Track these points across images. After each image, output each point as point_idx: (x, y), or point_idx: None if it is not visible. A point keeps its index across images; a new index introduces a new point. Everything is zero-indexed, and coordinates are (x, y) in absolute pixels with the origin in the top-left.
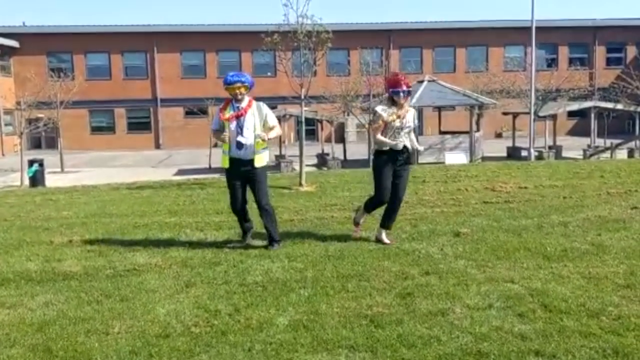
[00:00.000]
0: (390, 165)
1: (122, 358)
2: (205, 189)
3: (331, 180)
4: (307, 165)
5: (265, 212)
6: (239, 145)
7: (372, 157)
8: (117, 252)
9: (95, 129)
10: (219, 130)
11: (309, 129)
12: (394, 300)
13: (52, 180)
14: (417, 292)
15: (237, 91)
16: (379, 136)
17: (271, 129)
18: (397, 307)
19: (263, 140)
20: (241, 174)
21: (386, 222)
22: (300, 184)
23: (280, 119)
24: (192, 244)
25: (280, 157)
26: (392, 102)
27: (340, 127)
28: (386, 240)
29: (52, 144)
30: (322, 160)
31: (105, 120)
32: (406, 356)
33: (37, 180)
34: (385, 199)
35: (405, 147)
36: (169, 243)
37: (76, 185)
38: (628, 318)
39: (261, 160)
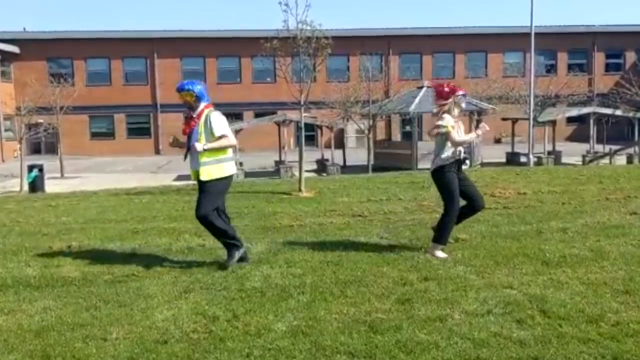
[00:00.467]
0: (455, 174)
1: None
2: None
3: (330, 186)
4: (307, 171)
5: (203, 224)
6: (186, 156)
7: (436, 174)
8: (115, 257)
9: (95, 135)
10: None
11: (309, 135)
12: (393, 306)
13: (51, 186)
14: (416, 298)
15: (185, 99)
16: (464, 136)
17: (218, 139)
18: (396, 312)
19: (205, 150)
20: (198, 184)
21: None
22: (300, 190)
23: (279, 124)
24: (191, 250)
25: (279, 162)
26: (447, 110)
27: (340, 133)
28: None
29: (52, 149)
30: (322, 166)
31: (105, 125)
32: None
33: (36, 185)
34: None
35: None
36: (168, 249)
37: (75, 190)
38: (627, 324)
39: (206, 173)
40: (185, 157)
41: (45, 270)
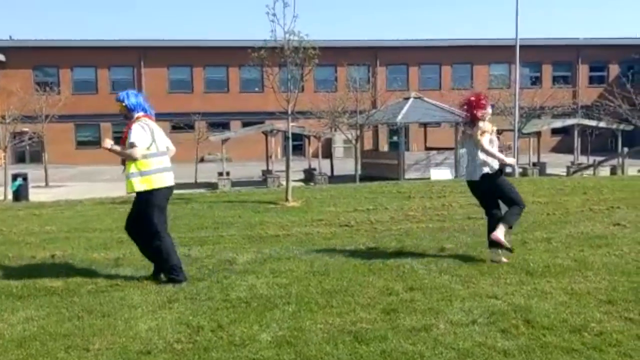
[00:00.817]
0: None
1: None
2: (190, 203)
3: (317, 196)
4: (294, 181)
5: (150, 245)
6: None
7: (491, 179)
8: (99, 267)
9: (81, 143)
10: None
11: (297, 145)
12: (378, 316)
13: (36, 195)
14: (402, 308)
15: (119, 109)
16: (494, 151)
17: (130, 147)
18: (381, 322)
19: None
20: None
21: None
22: (287, 199)
23: (267, 134)
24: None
25: (267, 172)
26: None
27: (328, 143)
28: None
29: (37, 158)
30: (309, 176)
31: (91, 134)
32: None
33: (20, 194)
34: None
35: None
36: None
37: (60, 199)
38: (610, 334)
39: (131, 185)
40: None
41: (28, 280)
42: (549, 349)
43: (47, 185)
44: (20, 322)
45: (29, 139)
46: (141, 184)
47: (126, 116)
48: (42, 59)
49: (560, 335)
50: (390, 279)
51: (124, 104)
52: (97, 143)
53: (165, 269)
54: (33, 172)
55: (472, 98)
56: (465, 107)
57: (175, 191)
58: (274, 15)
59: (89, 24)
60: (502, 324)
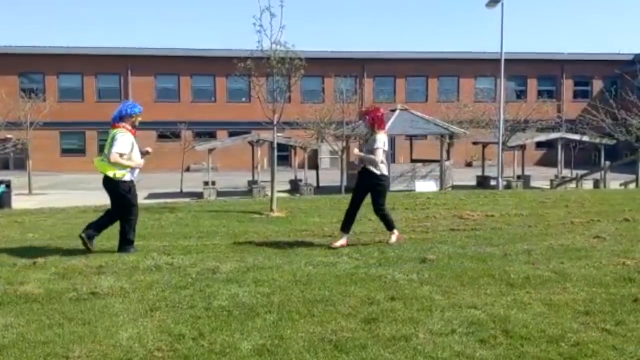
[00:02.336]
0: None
1: None
2: (175, 212)
3: (302, 206)
4: (280, 192)
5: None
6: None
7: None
8: (81, 275)
9: (66, 151)
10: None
11: (283, 155)
12: (359, 325)
13: (19, 202)
14: (382, 317)
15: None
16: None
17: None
18: (362, 332)
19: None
20: None
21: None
22: (271, 210)
23: (253, 144)
24: (158, 268)
25: (252, 182)
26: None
27: (314, 154)
28: (391, 241)
29: (20, 165)
30: (295, 187)
31: (77, 142)
32: None
33: (3, 201)
34: None
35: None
36: (135, 267)
37: (43, 207)
38: (586, 344)
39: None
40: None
41: (9, 287)
42: (526, 358)
43: (30, 192)
44: None
45: (13, 145)
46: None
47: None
48: (28, 66)
49: (538, 346)
50: (371, 289)
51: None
52: (82, 151)
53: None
54: (17, 179)
55: (379, 114)
56: (370, 118)
57: (160, 200)
58: (261, 26)
59: (77, 31)
60: (481, 333)
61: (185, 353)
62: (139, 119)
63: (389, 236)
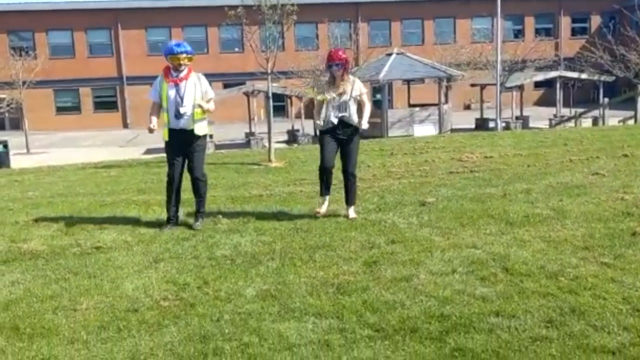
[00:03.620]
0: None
1: (90, 333)
2: None
3: (300, 156)
4: (278, 142)
5: (201, 183)
6: (178, 115)
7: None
8: (84, 230)
9: (61, 109)
10: (155, 104)
11: (279, 105)
12: (360, 268)
13: (17, 162)
14: (383, 260)
15: (182, 62)
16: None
17: (208, 101)
18: (363, 275)
19: (203, 109)
20: (181, 146)
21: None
22: (270, 160)
23: (248, 95)
24: (160, 221)
25: (250, 134)
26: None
27: (311, 103)
28: (352, 215)
29: (16, 125)
30: (293, 137)
31: (71, 99)
32: (371, 320)
33: (1, 161)
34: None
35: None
36: (137, 220)
37: (42, 165)
38: (585, 278)
39: (201, 129)
40: (173, 116)
41: (13, 245)
42: (526, 294)
43: (28, 152)
44: (5, 286)
45: (7, 105)
46: (206, 129)
47: (177, 68)
48: (16, 23)
49: (538, 281)
50: (372, 234)
51: (190, 55)
52: (77, 109)
53: (204, 205)
54: (13, 139)
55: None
56: (346, 62)
57: (158, 154)
58: None
59: None
60: (481, 272)
61: (191, 301)
62: (173, 61)
63: (349, 210)
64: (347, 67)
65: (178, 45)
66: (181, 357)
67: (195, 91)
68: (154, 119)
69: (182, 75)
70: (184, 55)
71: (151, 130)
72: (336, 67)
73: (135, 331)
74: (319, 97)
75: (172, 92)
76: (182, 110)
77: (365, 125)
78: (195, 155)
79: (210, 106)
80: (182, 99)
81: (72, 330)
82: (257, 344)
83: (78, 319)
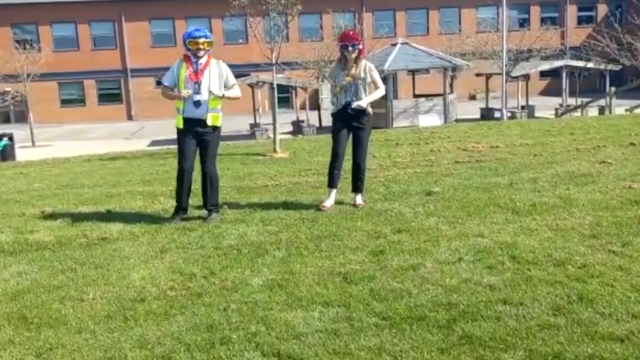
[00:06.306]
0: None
1: (98, 322)
2: None
3: (305, 146)
4: (283, 133)
5: (213, 176)
6: (196, 104)
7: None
8: (90, 221)
9: (66, 102)
10: (167, 87)
11: (283, 97)
12: (367, 257)
13: (23, 155)
14: (389, 249)
15: (201, 46)
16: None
17: (231, 87)
18: (370, 264)
19: (219, 98)
20: (195, 135)
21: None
22: (275, 151)
23: (253, 86)
24: (166, 212)
25: (254, 125)
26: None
27: (315, 94)
28: (359, 202)
29: (21, 118)
30: (297, 128)
31: (75, 92)
32: (378, 309)
33: (7, 154)
34: None
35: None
36: (143, 211)
37: (47, 158)
38: (593, 266)
39: (216, 119)
40: (189, 104)
41: (19, 236)
42: (534, 282)
43: (33, 144)
44: (13, 277)
45: (12, 98)
46: (221, 119)
47: (197, 54)
48: (20, 16)
49: (545, 269)
50: (378, 223)
51: (210, 40)
52: (81, 101)
53: (217, 199)
54: (19, 132)
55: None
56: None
57: (164, 146)
58: None
59: None
60: (488, 260)
61: (197, 291)
62: (192, 46)
63: (356, 198)
64: (363, 49)
65: (197, 30)
66: (188, 346)
67: (213, 78)
68: (176, 90)
69: (202, 62)
70: (204, 39)
71: (188, 94)
72: (352, 48)
73: (142, 321)
74: (345, 80)
75: (190, 79)
76: (199, 98)
77: (363, 103)
78: (209, 147)
79: (235, 93)
80: (199, 87)
81: (80, 320)
82: (265, 333)
83: (85, 309)
